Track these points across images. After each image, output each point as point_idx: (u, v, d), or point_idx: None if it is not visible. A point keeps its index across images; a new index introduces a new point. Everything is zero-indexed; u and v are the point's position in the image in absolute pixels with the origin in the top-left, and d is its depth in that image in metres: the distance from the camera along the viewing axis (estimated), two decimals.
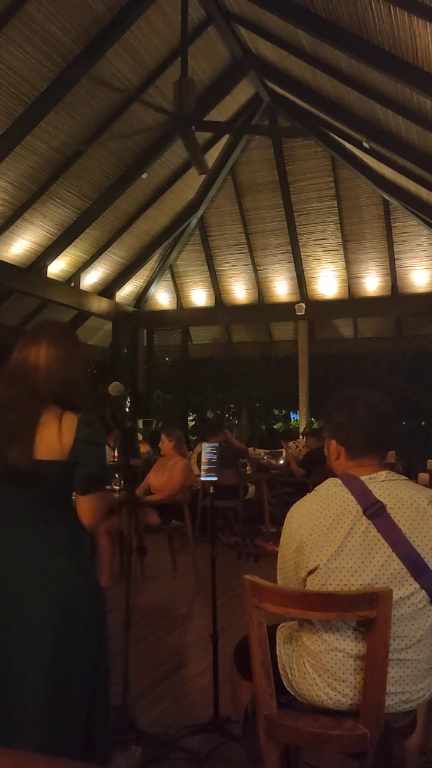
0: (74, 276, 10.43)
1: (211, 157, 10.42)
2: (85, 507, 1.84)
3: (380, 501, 1.82)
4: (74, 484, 1.82)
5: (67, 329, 2.05)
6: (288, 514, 1.95)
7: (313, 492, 1.95)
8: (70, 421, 1.80)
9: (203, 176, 9.86)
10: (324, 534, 1.82)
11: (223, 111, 9.10)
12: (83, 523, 1.85)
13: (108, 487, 1.92)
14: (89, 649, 1.83)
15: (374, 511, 1.80)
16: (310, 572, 1.84)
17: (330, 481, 1.92)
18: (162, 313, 12.66)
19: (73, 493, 1.87)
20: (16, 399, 1.83)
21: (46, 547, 1.81)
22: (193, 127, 6.36)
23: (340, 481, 1.89)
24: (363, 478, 1.88)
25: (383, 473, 1.90)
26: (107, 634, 1.94)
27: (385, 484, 1.87)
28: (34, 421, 1.80)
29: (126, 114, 8.18)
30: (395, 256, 10.70)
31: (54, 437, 1.79)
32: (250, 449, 9.87)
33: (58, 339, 1.92)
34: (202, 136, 9.03)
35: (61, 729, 1.79)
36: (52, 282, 9.88)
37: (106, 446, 1.95)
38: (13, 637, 1.75)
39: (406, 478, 1.94)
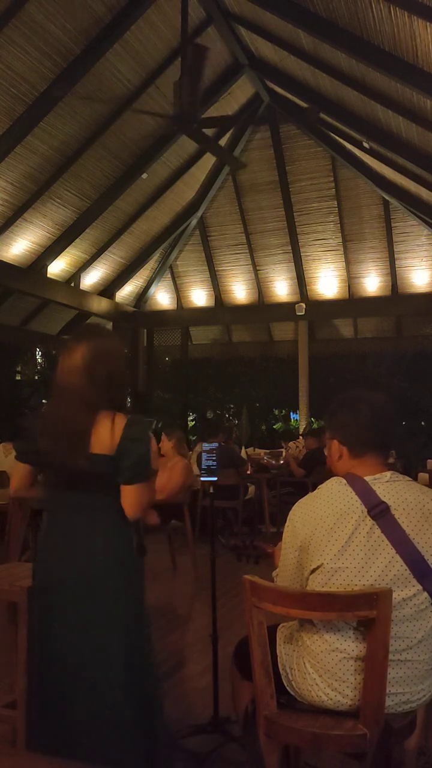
0: (74, 276, 10.43)
1: (212, 156, 10.43)
2: (127, 496, 2.02)
3: (385, 502, 1.81)
4: (118, 475, 2.01)
5: (99, 334, 2.18)
6: (290, 512, 1.95)
7: (316, 491, 1.94)
8: (120, 421, 2.02)
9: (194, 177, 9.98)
10: (328, 533, 1.82)
11: (222, 111, 9.09)
12: (126, 512, 2.02)
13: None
14: (120, 631, 1.98)
15: (379, 511, 1.80)
16: (313, 571, 1.83)
17: (334, 479, 1.92)
18: (162, 313, 12.66)
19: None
20: (65, 411, 2.04)
21: (93, 530, 2.03)
22: (195, 127, 6.35)
23: (344, 481, 1.89)
24: (367, 478, 1.87)
25: (388, 474, 1.89)
26: (146, 623, 2.11)
27: (389, 485, 1.86)
28: (88, 427, 2.00)
29: (126, 113, 8.18)
30: (395, 256, 10.70)
31: (107, 435, 2.00)
32: (250, 449, 9.88)
33: (93, 347, 2.08)
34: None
35: (99, 717, 1.94)
36: (52, 282, 9.88)
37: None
38: (64, 622, 1.99)
39: (410, 479, 1.93)
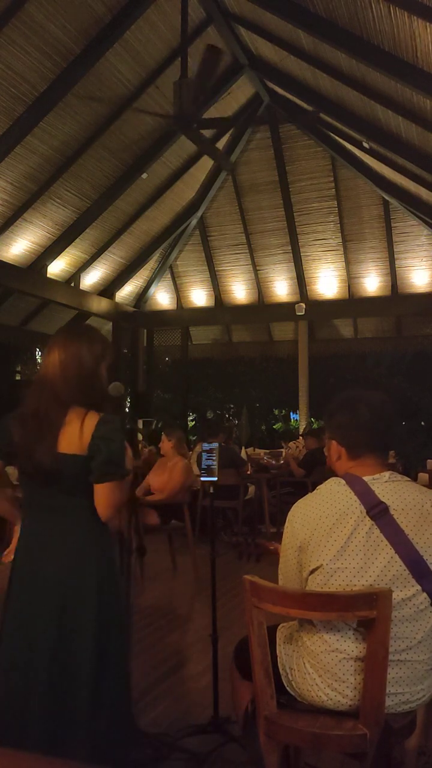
0: (74, 276, 10.43)
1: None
2: (98, 495, 1.97)
3: (383, 502, 1.81)
4: (90, 475, 1.96)
5: (79, 333, 2.16)
6: (290, 512, 1.95)
7: (315, 491, 1.94)
8: (92, 419, 1.98)
9: (194, 177, 9.95)
10: (327, 533, 1.82)
11: (222, 111, 9.10)
12: (98, 513, 1.98)
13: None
14: (90, 635, 1.93)
15: (378, 512, 1.80)
16: (312, 571, 1.83)
17: (333, 480, 1.92)
18: (162, 313, 12.66)
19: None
20: (39, 408, 2.01)
21: (66, 531, 1.99)
22: (196, 127, 6.34)
23: (343, 481, 1.89)
24: (366, 478, 1.87)
25: (386, 474, 1.89)
26: (120, 628, 2.04)
27: (388, 485, 1.86)
28: (58, 424, 1.98)
29: (126, 114, 8.18)
30: (395, 256, 10.70)
31: (76, 434, 1.96)
32: (250, 449, 9.88)
33: (69, 344, 2.06)
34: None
35: (60, 722, 1.88)
36: (52, 282, 9.89)
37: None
38: (33, 623, 1.95)
39: (409, 479, 1.93)
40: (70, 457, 1.95)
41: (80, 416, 1.98)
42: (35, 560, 1.98)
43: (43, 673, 1.89)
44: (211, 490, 3.01)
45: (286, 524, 1.94)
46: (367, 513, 1.80)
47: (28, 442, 1.98)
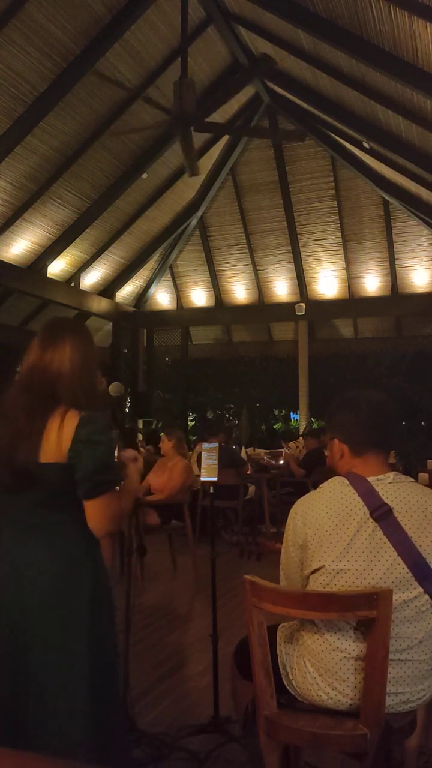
0: (74, 276, 10.43)
1: (211, 157, 10.44)
2: (90, 512, 1.71)
3: (387, 504, 1.81)
4: (77, 489, 1.71)
5: (84, 329, 1.97)
6: (292, 510, 1.94)
7: (318, 490, 1.94)
8: (72, 420, 1.71)
9: (194, 177, 9.91)
10: (330, 534, 1.82)
11: (223, 111, 9.09)
12: (93, 529, 1.74)
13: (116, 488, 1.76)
14: (82, 650, 1.74)
15: (381, 513, 1.79)
16: (314, 571, 1.83)
17: (336, 479, 1.92)
18: (162, 313, 12.66)
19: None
20: (33, 406, 1.76)
21: (47, 551, 1.74)
22: (192, 129, 6.34)
23: (346, 481, 1.89)
24: (370, 479, 1.87)
25: (391, 475, 1.89)
26: (110, 640, 1.86)
27: (392, 486, 1.86)
28: (40, 428, 1.73)
29: (126, 114, 8.18)
30: (395, 256, 10.70)
31: (53, 438, 1.70)
32: (250, 449, 9.89)
33: (80, 342, 1.86)
34: (202, 136, 9.05)
35: (62, 731, 1.75)
36: (52, 282, 9.89)
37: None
38: (19, 640, 1.73)
39: (413, 480, 1.93)
40: (50, 466, 1.69)
41: (60, 416, 1.71)
42: (17, 583, 1.74)
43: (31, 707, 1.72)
44: (211, 490, 3.01)
45: (288, 521, 1.94)
46: (371, 514, 1.80)
47: (11, 447, 1.73)
